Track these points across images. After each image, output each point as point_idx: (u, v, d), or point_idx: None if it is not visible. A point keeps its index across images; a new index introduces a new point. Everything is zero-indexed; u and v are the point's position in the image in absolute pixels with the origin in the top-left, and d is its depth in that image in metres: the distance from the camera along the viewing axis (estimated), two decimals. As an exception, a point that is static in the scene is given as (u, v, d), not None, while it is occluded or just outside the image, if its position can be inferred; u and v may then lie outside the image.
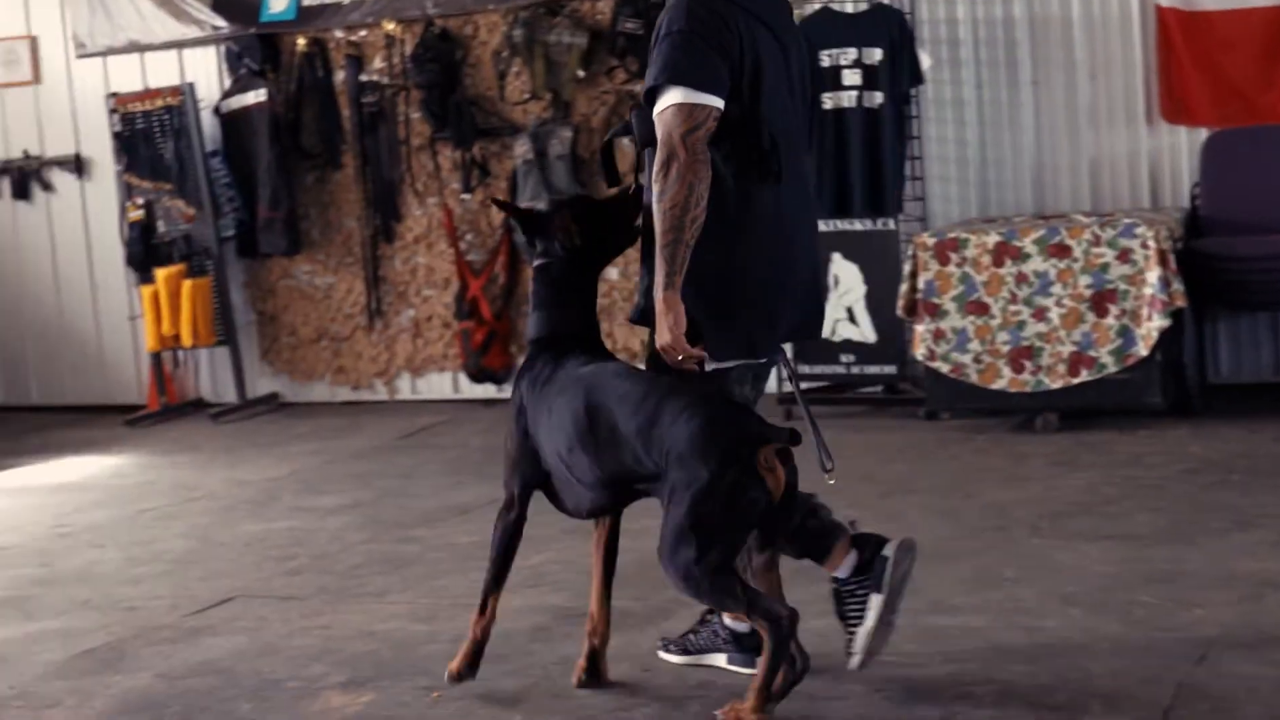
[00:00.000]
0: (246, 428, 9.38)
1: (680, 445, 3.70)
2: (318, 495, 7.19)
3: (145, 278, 9.81)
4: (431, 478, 7.43)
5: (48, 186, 10.48)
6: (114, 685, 4.56)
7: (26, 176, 10.51)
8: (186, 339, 9.63)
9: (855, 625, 3.98)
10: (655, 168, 3.87)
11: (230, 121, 9.80)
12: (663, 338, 3.89)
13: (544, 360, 4.11)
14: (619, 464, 3.88)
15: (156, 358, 9.92)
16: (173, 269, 9.67)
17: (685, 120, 3.84)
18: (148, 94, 9.92)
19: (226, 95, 9.82)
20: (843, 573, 3.99)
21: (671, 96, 3.87)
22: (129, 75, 10.17)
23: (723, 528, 3.69)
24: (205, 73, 9.99)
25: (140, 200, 9.86)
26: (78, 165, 10.38)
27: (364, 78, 9.53)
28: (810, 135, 4.29)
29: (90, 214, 10.40)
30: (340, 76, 9.62)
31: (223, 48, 9.91)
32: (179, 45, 10.03)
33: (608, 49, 8.94)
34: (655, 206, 3.87)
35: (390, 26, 9.37)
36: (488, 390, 9.45)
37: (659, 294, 3.87)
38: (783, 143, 3.98)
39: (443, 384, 9.65)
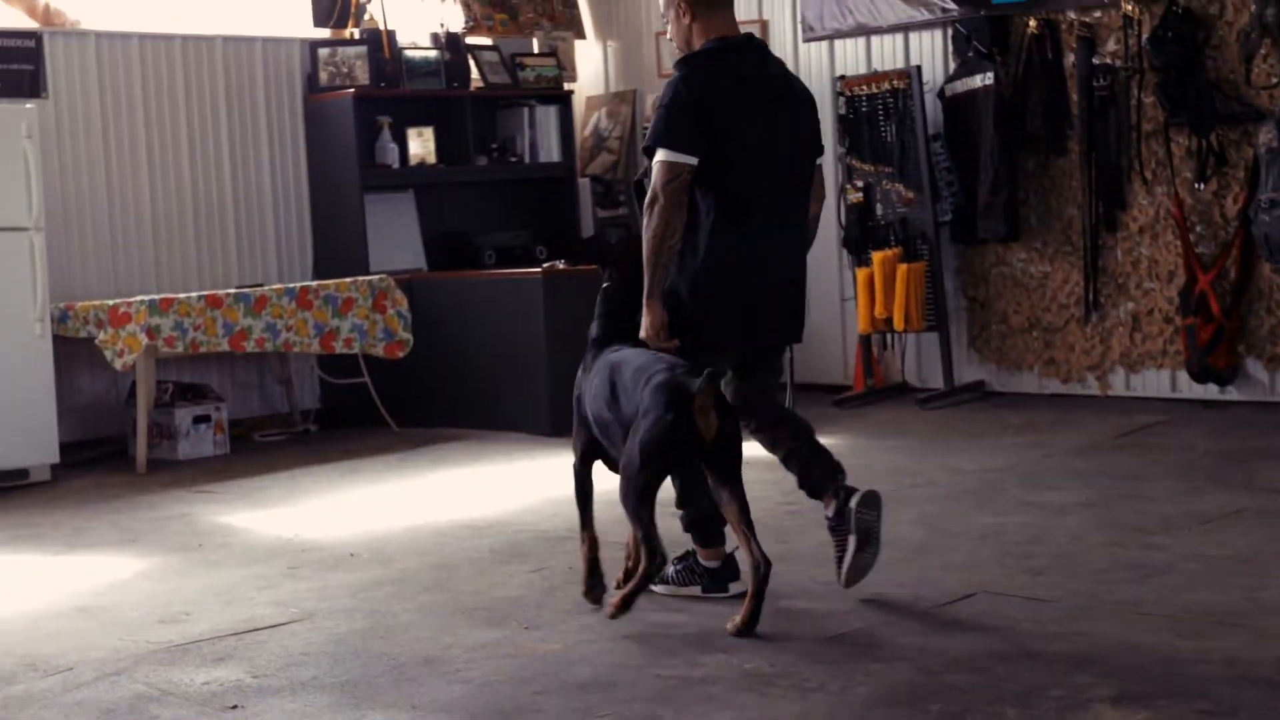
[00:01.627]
0: (954, 415, 9.30)
1: (645, 399, 4.89)
2: (1044, 490, 6.99)
3: (860, 260, 9.89)
4: (1161, 480, 7.08)
5: (769, 167, 10.73)
6: (874, 674, 4.52)
7: (749, 157, 10.80)
8: (898, 323, 9.64)
9: (840, 556, 5.30)
10: (644, 207, 5.16)
11: (953, 105, 9.73)
12: (645, 332, 5.20)
13: (594, 353, 5.35)
14: (627, 418, 4.98)
15: (866, 340, 10.00)
16: (889, 252, 9.71)
17: (666, 173, 5.11)
18: (873, 77, 9.99)
19: (951, 78, 9.74)
20: (830, 513, 5.33)
21: (659, 155, 5.15)
22: (854, 58, 10.28)
23: (654, 456, 4.86)
24: (930, 56, 9.96)
25: (860, 183, 9.94)
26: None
27: (1095, 60, 9.21)
28: (807, 183, 5.53)
29: (808, 195, 10.57)
30: (1070, 59, 9.35)
31: (950, 30, 9.84)
32: (906, 28, 10.04)
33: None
34: (644, 236, 5.14)
35: (1128, 7, 9.01)
36: (1209, 391, 8.96)
37: (645, 300, 5.17)
38: (756, 191, 5.25)
39: (1160, 381, 9.23)
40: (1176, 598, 5.19)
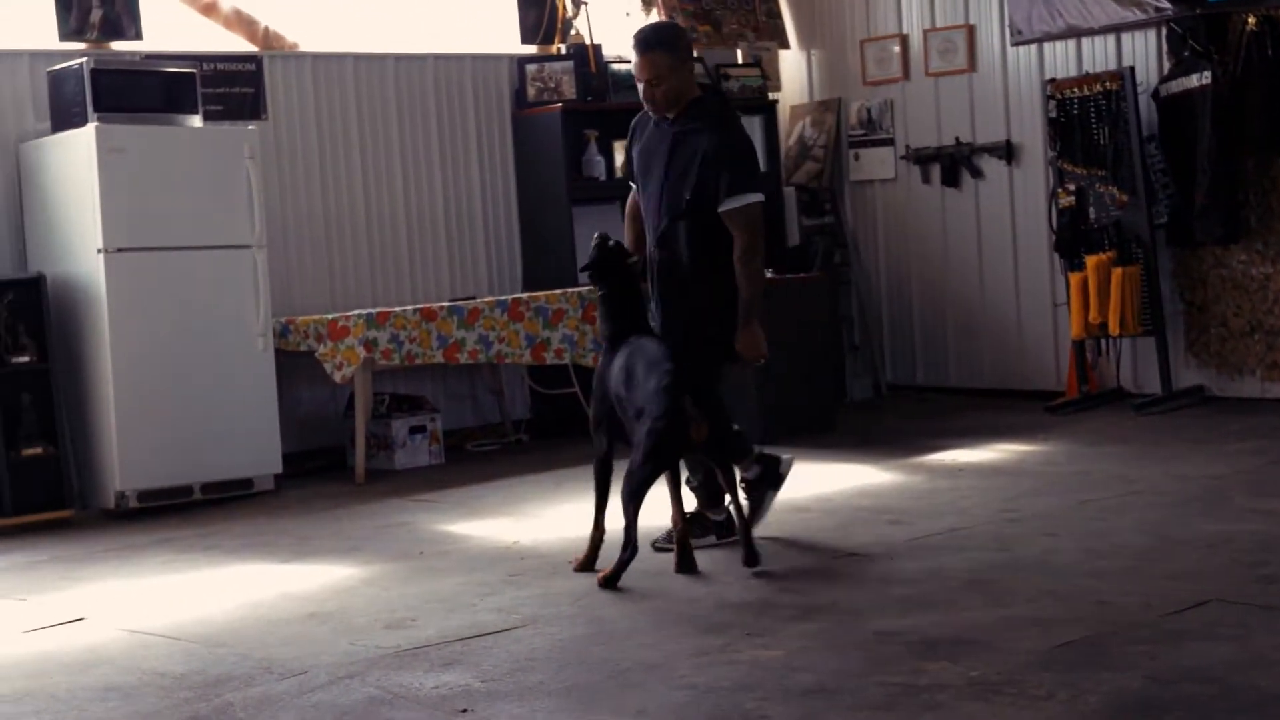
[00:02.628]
0: (1171, 421, 9.10)
1: (650, 400, 5.85)
2: (1272, 498, 6.80)
3: (1074, 264, 9.73)
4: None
5: (976, 173, 10.65)
6: (1105, 682, 4.44)
7: (957, 163, 10.72)
8: (1113, 327, 9.47)
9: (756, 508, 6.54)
10: (749, 247, 6.14)
11: (1169, 105, 9.53)
12: (749, 351, 6.28)
13: (610, 344, 6.24)
14: (636, 401, 5.92)
15: (1080, 345, 9.84)
16: (1102, 256, 9.54)
17: (759, 213, 6.20)
18: (1085, 79, 9.83)
19: (1166, 79, 9.55)
20: (750, 475, 6.50)
21: (754, 198, 6.18)
22: (1064, 60, 10.13)
23: (653, 455, 5.83)
24: (1144, 56, 9.78)
25: (1071, 186, 9.79)
26: (1007, 151, 10.46)
27: (1325, 57, 8.97)
28: None
29: (1017, 199, 10.47)
30: (1298, 56, 9.11)
31: (1164, 30, 9.64)
32: (1117, 29, 9.87)
33: None
34: (753, 268, 6.20)
35: (1357, 0, 8.76)
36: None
37: (746, 323, 6.23)
38: None
39: (1390, 385, 8.95)
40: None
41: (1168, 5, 9.56)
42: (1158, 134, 9.60)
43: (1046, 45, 10.23)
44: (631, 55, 6.34)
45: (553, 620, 5.51)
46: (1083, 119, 9.78)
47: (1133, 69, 9.63)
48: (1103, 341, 9.87)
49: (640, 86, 6.30)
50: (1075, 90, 9.84)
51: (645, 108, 6.41)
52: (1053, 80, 10.00)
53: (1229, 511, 6.62)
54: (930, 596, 5.51)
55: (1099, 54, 10.01)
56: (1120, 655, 4.69)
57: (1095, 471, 7.75)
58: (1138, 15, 9.73)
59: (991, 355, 10.61)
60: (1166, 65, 9.64)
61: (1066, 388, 9.97)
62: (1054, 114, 9.92)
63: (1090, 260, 9.54)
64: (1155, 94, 9.60)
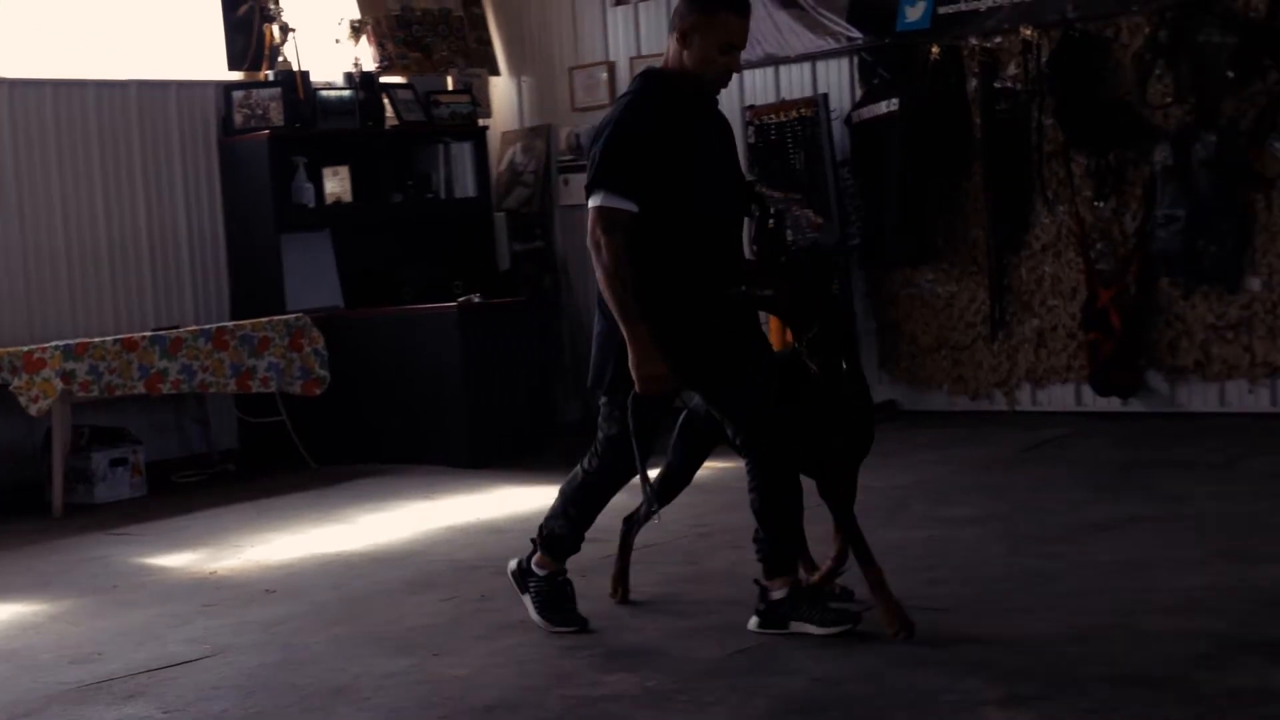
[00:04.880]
0: (871, 435, 9.42)
1: None
2: (947, 505, 7.14)
3: (773, 285, 10.02)
4: (1063, 492, 7.25)
5: (682, 197, 10.88)
6: (773, 686, 4.63)
7: (662, 187, 10.95)
8: (811, 346, 9.77)
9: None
10: None
11: (860, 131, 9.90)
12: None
13: None
14: None
15: (782, 364, 10.12)
16: (800, 277, 9.84)
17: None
18: (782, 106, 10.15)
19: (858, 105, 9.92)
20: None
21: None
22: (763, 88, 10.45)
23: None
24: (837, 84, 10.14)
25: (770, 209, 10.05)
26: (710, 176, 10.72)
27: (996, 84, 9.41)
28: None
29: (721, 223, 10.72)
30: (972, 84, 9.54)
31: (855, 58, 10.02)
32: (813, 58, 10.22)
33: (1262, 47, 8.46)
34: None
35: (1027, 32, 9.21)
36: (1112, 404, 9.16)
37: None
38: None
39: (1065, 396, 9.42)
40: (1067, 603, 5.33)
41: (859, 35, 9.95)
42: (851, 158, 9.97)
43: (746, 73, 10.52)
44: (723, 19, 5.03)
45: (244, 649, 5.50)
46: (780, 144, 10.10)
47: (826, 96, 9.98)
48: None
49: (731, 58, 5.06)
50: (773, 116, 10.15)
51: (706, 85, 5.12)
52: (751, 107, 10.30)
53: (909, 519, 6.91)
54: (616, 611, 5.65)
55: (795, 81, 10.34)
56: (790, 660, 4.90)
57: (789, 485, 7.98)
58: (831, 44, 10.09)
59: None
60: (859, 92, 10.01)
61: (770, 405, 10.24)
62: (753, 139, 10.22)
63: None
64: (848, 120, 9.97)
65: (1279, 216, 8.59)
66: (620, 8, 11.16)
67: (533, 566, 5.53)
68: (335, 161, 10.46)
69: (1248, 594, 5.24)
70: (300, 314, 9.64)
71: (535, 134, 11.66)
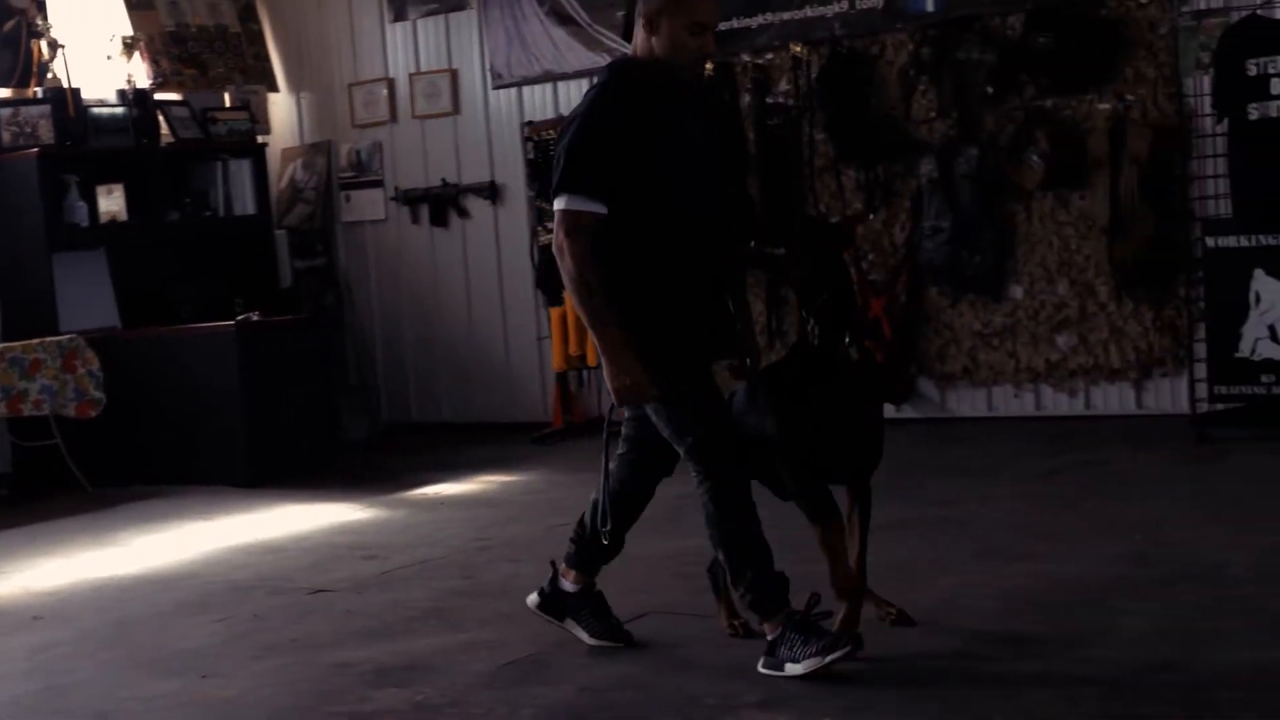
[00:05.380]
0: (651, 446, 9.54)
1: None
2: (725, 514, 7.25)
3: (554, 300, 10.10)
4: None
5: (463, 213, 10.93)
6: (541, 696, 4.69)
7: (444, 203, 10.98)
8: (591, 359, 9.87)
9: None
10: None
11: (636, 146, 10.01)
12: None
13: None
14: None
15: (562, 377, 10.21)
16: (581, 291, 9.93)
17: None
18: (560, 121, 10.22)
19: (633, 121, 10.02)
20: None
21: None
22: (542, 103, 10.53)
23: None
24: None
25: (550, 225, 10.14)
26: (492, 191, 10.78)
27: (769, 100, 9.61)
28: None
29: (502, 238, 10.79)
30: (746, 100, 9.73)
31: (630, 74, 10.13)
32: (590, 74, 10.28)
33: (1018, 64, 8.78)
34: None
35: (797, 49, 9.43)
36: (888, 411, 9.38)
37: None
38: None
39: (844, 404, 9.63)
40: (828, 605, 5.45)
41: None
42: (629, 173, 10.07)
43: (525, 89, 10.61)
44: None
45: (7, 678, 5.39)
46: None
47: (603, 112, 10.07)
48: (583, 372, 10.26)
49: (704, 39, 4.75)
50: (552, 132, 10.23)
51: (679, 71, 4.79)
52: (530, 123, 10.37)
53: (684, 527, 6.99)
54: (391, 627, 5.66)
55: (574, 98, 10.40)
56: (560, 670, 4.96)
57: (569, 498, 8.03)
58: (608, 60, 10.18)
59: (482, 390, 10.89)
60: (635, 108, 10.12)
61: (552, 418, 10.32)
62: (532, 155, 10.29)
63: (568, 295, 9.89)
64: (625, 135, 10.07)
65: (1038, 227, 8.91)
66: (399, 24, 11.15)
67: (565, 587, 5.26)
68: (109, 179, 10.27)
69: (999, 592, 5.43)
70: (74, 335, 9.45)
71: (316, 150, 11.59)
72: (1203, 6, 8.25)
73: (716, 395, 4.84)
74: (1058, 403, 9.02)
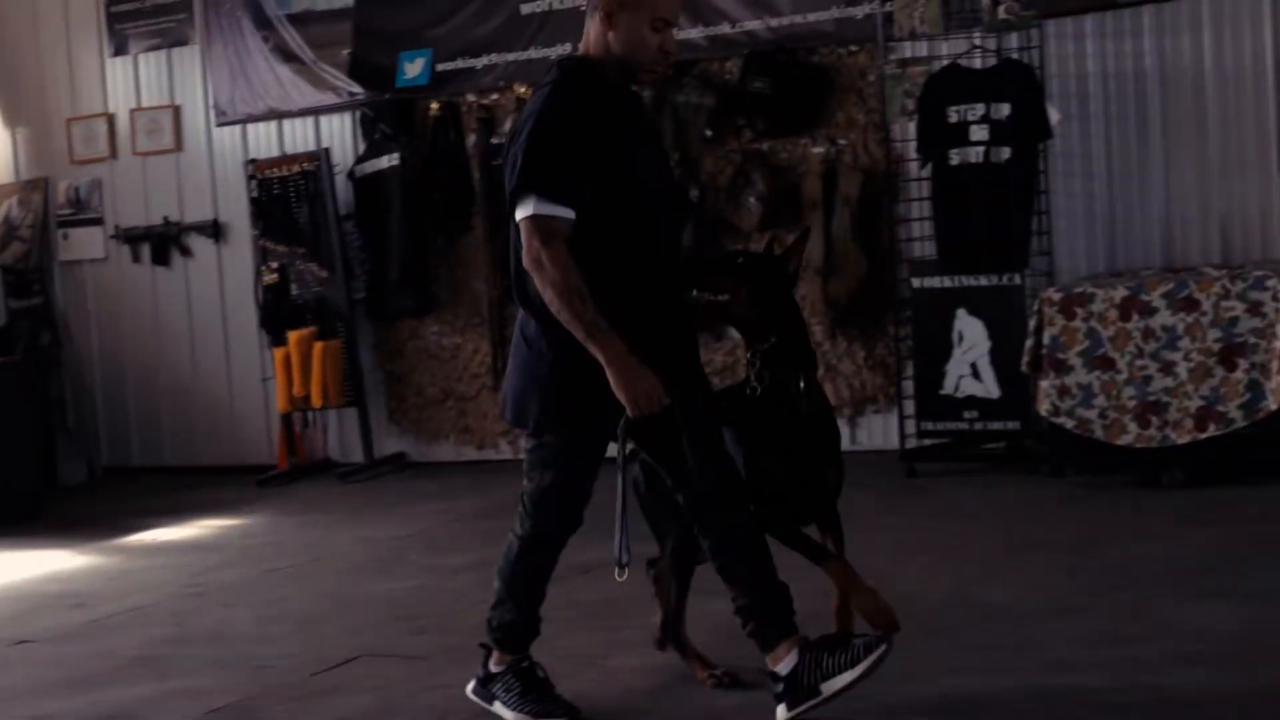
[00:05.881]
0: (374, 487, 9.52)
1: None
2: (444, 554, 7.27)
3: (277, 340, 10.00)
4: (558, 536, 7.47)
5: (186, 251, 10.75)
6: (241, 743, 4.65)
7: (166, 241, 10.78)
8: (316, 400, 9.80)
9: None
10: None
11: (363, 185, 9.99)
12: None
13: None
14: None
15: (287, 419, 10.10)
16: (304, 331, 9.86)
17: None
18: (285, 160, 10.15)
19: (360, 160, 10.01)
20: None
21: None
22: (266, 141, 10.43)
23: None
24: (340, 138, 10.21)
25: (274, 264, 10.07)
26: (215, 230, 10.63)
27: (495, 140, 9.67)
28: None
29: (226, 277, 10.64)
30: (471, 139, 9.78)
31: (358, 114, 10.12)
32: (316, 112, 10.26)
33: (735, 108, 8.99)
34: None
35: (522, 90, 9.51)
36: (611, 449, 9.47)
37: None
38: None
39: (565, 441, 9.70)
40: (546, 642, 5.49)
41: (360, 90, 10.05)
42: (355, 213, 10.05)
43: (250, 126, 10.49)
44: None
45: None
46: (284, 198, 10.10)
47: (329, 150, 10.04)
48: (308, 414, 10.17)
49: (664, 36, 4.37)
50: (276, 170, 10.14)
51: (636, 70, 4.43)
52: (254, 161, 10.26)
53: (403, 570, 7.02)
54: (95, 677, 5.54)
55: (299, 136, 10.36)
56: (267, 715, 4.91)
57: (290, 541, 7.99)
58: (333, 99, 10.16)
59: (205, 432, 10.71)
60: (361, 147, 10.10)
61: (278, 460, 10.20)
62: (256, 193, 10.18)
63: (292, 335, 9.84)
64: (351, 174, 10.05)
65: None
66: (120, 58, 10.94)
67: (491, 668, 4.80)
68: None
69: (709, 626, 5.52)
70: None
71: (32, 187, 11.28)
72: (908, 55, 8.55)
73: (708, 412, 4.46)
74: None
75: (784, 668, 4.35)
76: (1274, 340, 6.96)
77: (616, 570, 4.59)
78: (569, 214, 4.23)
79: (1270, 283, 7.02)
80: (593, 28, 4.40)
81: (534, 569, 4.78)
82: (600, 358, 4.21)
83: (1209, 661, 4.54)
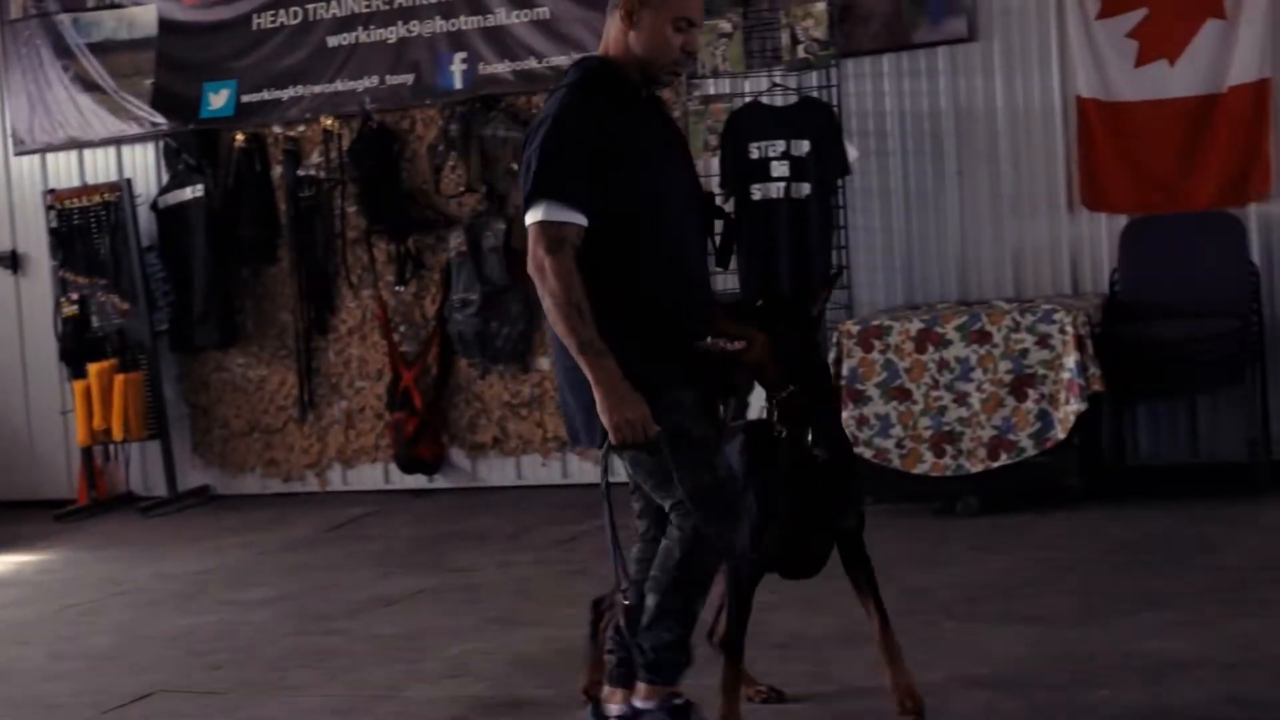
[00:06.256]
0: (176, 521, 9.39)
1: None
2: (245, 589, 7.20)
3: (78, 372, 9.81)
4: (359, 569, 7.45)
5: (-18, 282, 10.51)
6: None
7: (-38, 272, 10.54)
8: (117, 433, 9.64)
9: None
10: None
11: (166, 216, 9.87)
12: None
13: None
14: None
15: (87, 452, 9.91)
16: (105, 363, 9.70)
17: None
18: (85, 190, 9.98)
19: (164, 190, 9.89)
20: None
21: None
22: (66, 171, 10.25)
23: None
24: (143, 168, 10.07)
25: (75, 295, 9.89)
26: (13, 261, 10.41)
27: (301, 172, 9.62)
28: None
29: (25, 309, 10.42)
30: (277, 171, 9.71)
31: (161, 144, 9.99)
32: (118, 142, 10.11)
33: (540, 143, 9.04)
34: None
35: (328, 122, 9.48)
36: (419, 481, 9.48)
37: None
38: None
39: (374, 475, 9.68)
40: (344, 677, 5.49)
41: (162, 120, 9.93)
42: (158, 244, 9.91)
43: (49, 155, 10.30)
44: None
45: None
46: (84, 229, 9.92)
47: (130, 181, 9.90)
48: (110, 447, 9.99)
49: (687, 36, 4.25)
50: (76, 201, 9.97)
51: (658, 71, 4.28)
52: (53, 191, 10.07)
53: (200, 605, 6.93)
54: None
55: (100, 166, 10.20)
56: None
57: (87, 576, 7.85)
58: (136, 129, 10.02)
59: (3, 465, 10.44)
60: (164, 178, 9.97)
61: (78, 495, 10.00)
62: (55, 224, 9.99)
63: (93, 368, 9.66)
64: (154, 205, 9.91)
65: (564, 299, 9.15)
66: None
67: (638, 705, 4.25)
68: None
69: (508, 658, 5.56)
70: None
71: None
72: (711, 91, 8.70)
73: (718, 439, 4.28)
74: (583, 471, 9.27)
75: (613, 710, 4.30)
76: (1062, 371, 7.19)
77: (620, 594, 4.28)
78: (580, 220, 4.05)
79: (1058, 316, 7.25)
80: (613, 27, 4.25)
81: (704, 578, 4.24)
82: (590, 378, 4.02)
83: (990, 685, 4.67)
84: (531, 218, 4.07)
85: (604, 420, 4.03)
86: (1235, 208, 7.99)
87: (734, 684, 4.36)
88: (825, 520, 4.36)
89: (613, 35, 4.24)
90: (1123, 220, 8.17)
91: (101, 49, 10.09)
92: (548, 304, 4.06)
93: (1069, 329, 7.21)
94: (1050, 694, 4.56)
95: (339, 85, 9.55)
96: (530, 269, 4.08)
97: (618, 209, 4.09)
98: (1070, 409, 7.14)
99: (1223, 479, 7.58)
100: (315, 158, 9.64)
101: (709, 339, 4.17)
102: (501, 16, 9.19)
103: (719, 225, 4.39)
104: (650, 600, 4.19)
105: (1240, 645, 4.91)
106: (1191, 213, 8.03)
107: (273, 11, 9.68)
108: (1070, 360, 7.17)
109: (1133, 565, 6.15)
